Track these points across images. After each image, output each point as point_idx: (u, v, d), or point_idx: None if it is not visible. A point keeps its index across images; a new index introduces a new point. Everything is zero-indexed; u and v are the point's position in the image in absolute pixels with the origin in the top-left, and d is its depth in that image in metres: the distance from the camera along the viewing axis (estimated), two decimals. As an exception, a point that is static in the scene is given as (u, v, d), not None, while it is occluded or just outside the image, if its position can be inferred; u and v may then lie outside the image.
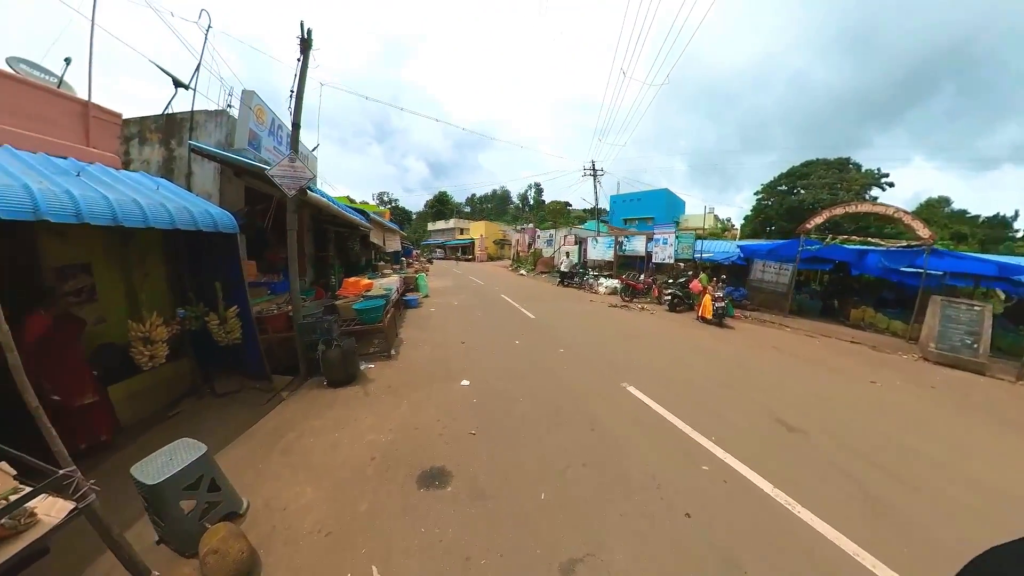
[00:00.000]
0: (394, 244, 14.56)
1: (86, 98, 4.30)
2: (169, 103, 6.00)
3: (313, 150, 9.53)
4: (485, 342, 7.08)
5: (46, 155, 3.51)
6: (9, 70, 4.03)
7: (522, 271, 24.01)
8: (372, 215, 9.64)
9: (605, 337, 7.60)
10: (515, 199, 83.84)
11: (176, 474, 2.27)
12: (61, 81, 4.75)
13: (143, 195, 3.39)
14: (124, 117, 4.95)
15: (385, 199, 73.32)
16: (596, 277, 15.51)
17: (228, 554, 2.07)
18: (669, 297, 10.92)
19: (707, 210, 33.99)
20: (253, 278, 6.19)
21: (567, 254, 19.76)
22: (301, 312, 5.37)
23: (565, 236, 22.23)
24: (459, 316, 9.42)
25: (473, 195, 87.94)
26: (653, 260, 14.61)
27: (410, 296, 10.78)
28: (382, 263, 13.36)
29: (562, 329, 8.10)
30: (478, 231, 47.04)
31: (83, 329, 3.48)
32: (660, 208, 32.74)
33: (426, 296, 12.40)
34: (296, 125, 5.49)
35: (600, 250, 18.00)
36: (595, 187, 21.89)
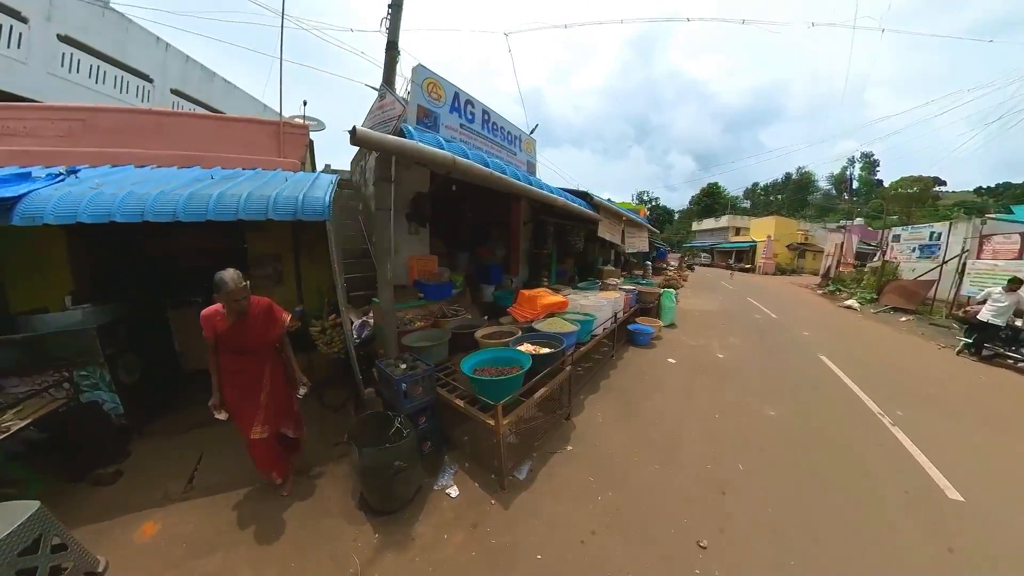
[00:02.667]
0: (638, 242, 11.00)
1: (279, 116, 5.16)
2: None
3: (531, 132, 7.47)
4: (795, 524, 2.81)
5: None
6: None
7: (851, 301, 12.67)
8: (601, 199, 6.72)
9: None
10: (823, 181, 60.21)
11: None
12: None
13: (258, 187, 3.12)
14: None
15: (644, 198, 69.23)
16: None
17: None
18: None
19: None
20: (424, 275, 4.82)
21: (997, 290, 6.56)
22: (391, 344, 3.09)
23: (982, 237, 10.35)
24: (723, 401, 4.50)
25: (754, 185, 69.41)
26: None
27: (640, 324, 6.92)
28: (608, 267, 10.22)
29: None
30: (763, 230, 34.76)
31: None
32: None
33: (669, 326, 7.86)
34: (392, 44, 3.16)
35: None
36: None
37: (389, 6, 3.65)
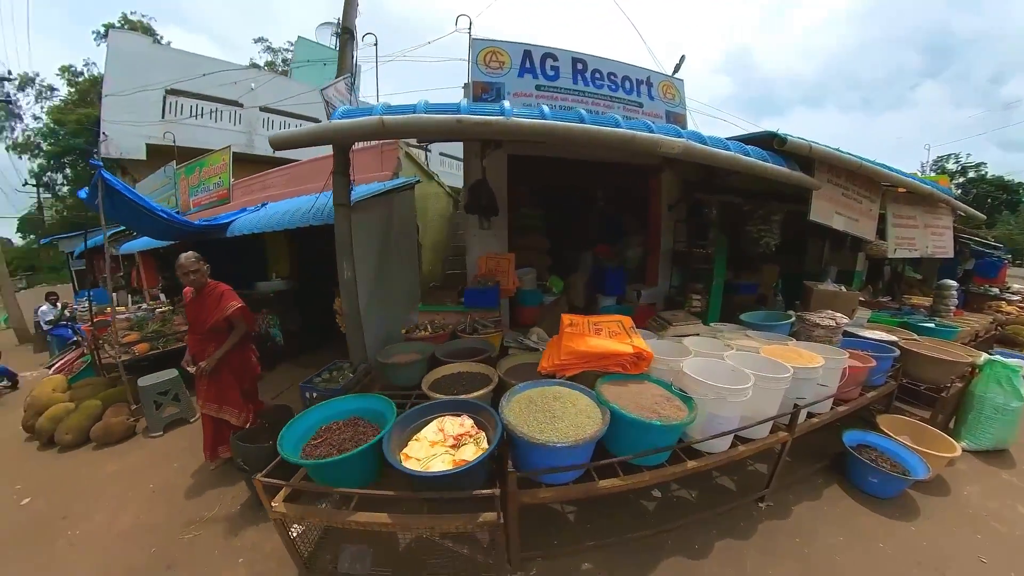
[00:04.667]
0: (927, 239, 5.00)
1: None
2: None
3: (675, 71, 5.18)
4: None
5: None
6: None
7: None
8: (813, 143, 3.14)
9: None
10: None
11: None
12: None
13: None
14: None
15: (949, 167, 34.42)
16: None
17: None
18: None
19: None
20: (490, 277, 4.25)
21: None
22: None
23: None
24: None
25: None
26: None
27: (887, 440, 2.73)
28: (828, 286, 4.25)
29: None
30: None
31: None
32: None
33: (980, 453, 2.97)
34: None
35: None
36: None
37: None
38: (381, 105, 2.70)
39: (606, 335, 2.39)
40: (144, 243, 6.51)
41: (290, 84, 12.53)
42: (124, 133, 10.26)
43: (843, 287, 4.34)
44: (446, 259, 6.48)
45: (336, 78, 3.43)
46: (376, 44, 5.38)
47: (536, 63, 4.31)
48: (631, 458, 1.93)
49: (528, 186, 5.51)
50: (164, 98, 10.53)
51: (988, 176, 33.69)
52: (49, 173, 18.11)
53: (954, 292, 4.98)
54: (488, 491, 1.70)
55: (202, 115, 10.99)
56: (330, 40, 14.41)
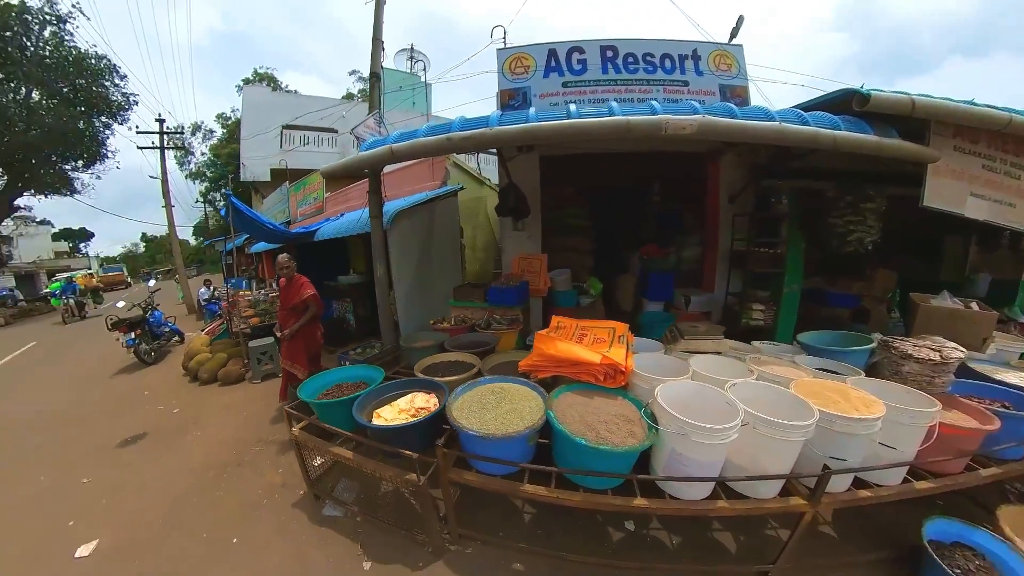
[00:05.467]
0: None
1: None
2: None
3: (733, 36, 4.60)
4: None
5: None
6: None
7: None
8: (898, 94, 2.27)
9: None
10: None
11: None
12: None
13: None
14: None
15: None
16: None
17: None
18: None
19: None
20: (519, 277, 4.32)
21: None
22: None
23: None
24: None
25: None
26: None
27: None
28: (947, 302, 2.89)
29: None
30: None
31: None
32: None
33: None
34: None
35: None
36: None
37: None
38: (395, 134, 3.03)
39: (590, 341, 2.25)
40: (264, 245, 8.21)
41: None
42: (256, 162, 12.88)
43: (975, 303, 2.93)
44: (496, 259, 6.65)
45: (367, 116, 3.87)
46: (426, 69, 5.79)
47: (562, 60, 4.22)
48: (566, 472, 1.83)
49: (575, 185, 5.36)
50: (281, 132, 12.80)
51: None
52: (211, 193, 24.26)
53: None
54: (409, 452, 1.95)
55: (308, 143, 13.08)
56: (405, 64, 15.87)
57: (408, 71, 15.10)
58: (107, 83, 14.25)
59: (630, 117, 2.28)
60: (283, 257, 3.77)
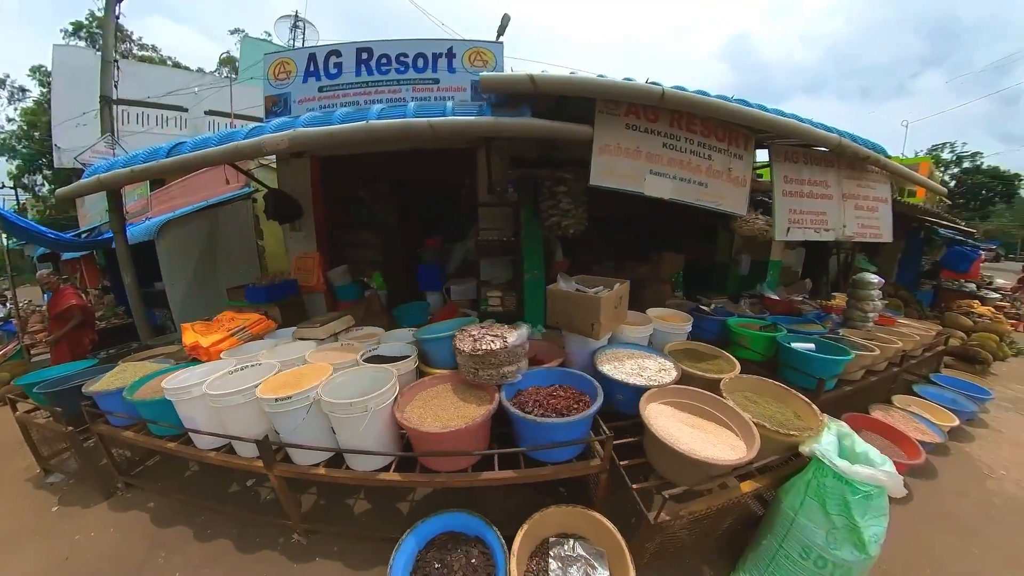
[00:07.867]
0: (843, 213, 3.41)
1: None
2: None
3: (500, 33, 5.12)
4: None
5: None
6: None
7: None
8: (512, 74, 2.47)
9: None
10: None
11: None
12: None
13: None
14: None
15: (945, 156, 32.99)
16: None
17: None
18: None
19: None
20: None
21: None
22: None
23: None
24: None
25: None
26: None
27: None
28: (563, 285, 2.73)
29: None
30: None
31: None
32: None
33: None
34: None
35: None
36: None
37: None
38: (121, 158, 3.24)
39: (221, 329, 2.99)
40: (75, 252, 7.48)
41: (238, 87, 12.83)
42: (75, 147, 11.01)
43: (605, 289, 2.63)
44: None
45: (98, 139, 3.93)
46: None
47: (320, 64, 4.44)
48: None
49: (386, 180, 5.69)
50: (100, 108, 11.13)
51: (984, 167, 31.75)
52: (27, 176, 17.61)
53: (876, 290, 3.50)
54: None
55: (148, 122, 11.61)
56: (288, 33, 14.26)
57: (287, 44, 13.76)
58: None
59: (239, 143, 2.63)
60: (41, 274, 4.27)
